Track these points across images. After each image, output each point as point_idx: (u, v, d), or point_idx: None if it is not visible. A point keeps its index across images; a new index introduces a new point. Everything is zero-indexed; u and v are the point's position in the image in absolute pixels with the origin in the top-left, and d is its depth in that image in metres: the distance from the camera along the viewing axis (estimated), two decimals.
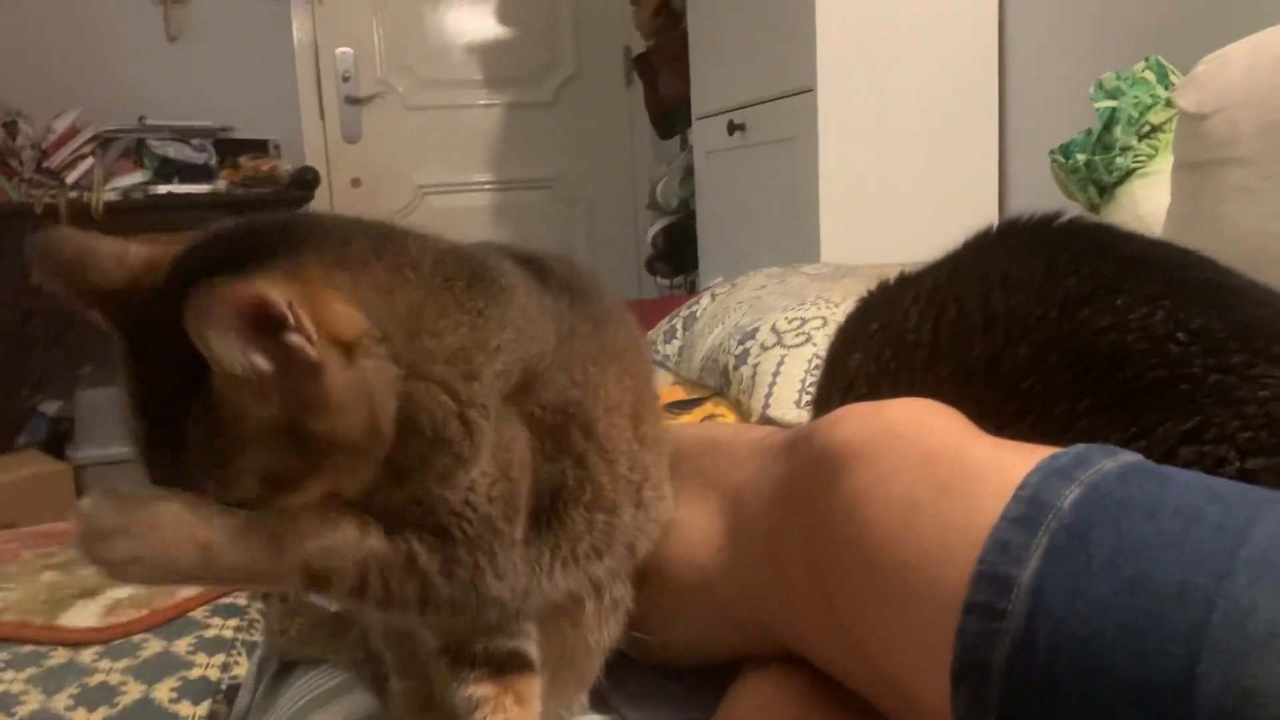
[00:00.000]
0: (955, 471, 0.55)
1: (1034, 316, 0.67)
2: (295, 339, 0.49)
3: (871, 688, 0.60)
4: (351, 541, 0.55)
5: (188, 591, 1.16)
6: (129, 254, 0.55)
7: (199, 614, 1.14)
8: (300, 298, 0.49)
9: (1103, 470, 0.52)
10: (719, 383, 1.55)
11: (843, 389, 0.78)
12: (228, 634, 1.10)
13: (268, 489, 0.51)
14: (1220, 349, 0.60)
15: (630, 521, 0.67)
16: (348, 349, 0.51)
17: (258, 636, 1.07)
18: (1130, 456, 0.55)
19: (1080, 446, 0.55)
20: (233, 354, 0.48)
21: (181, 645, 1.06)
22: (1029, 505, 0.51)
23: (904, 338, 0.74)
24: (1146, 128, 1.58)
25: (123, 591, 1.13)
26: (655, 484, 0.70)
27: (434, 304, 0.57)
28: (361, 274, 0.55)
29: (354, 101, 4.20)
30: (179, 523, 0.52)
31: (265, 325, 0.48)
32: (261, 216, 0.59)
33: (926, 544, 0.53)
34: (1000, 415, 0.66)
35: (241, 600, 1.19)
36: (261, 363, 0.48)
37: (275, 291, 0.48)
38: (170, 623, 1.12)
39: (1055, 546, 0.49)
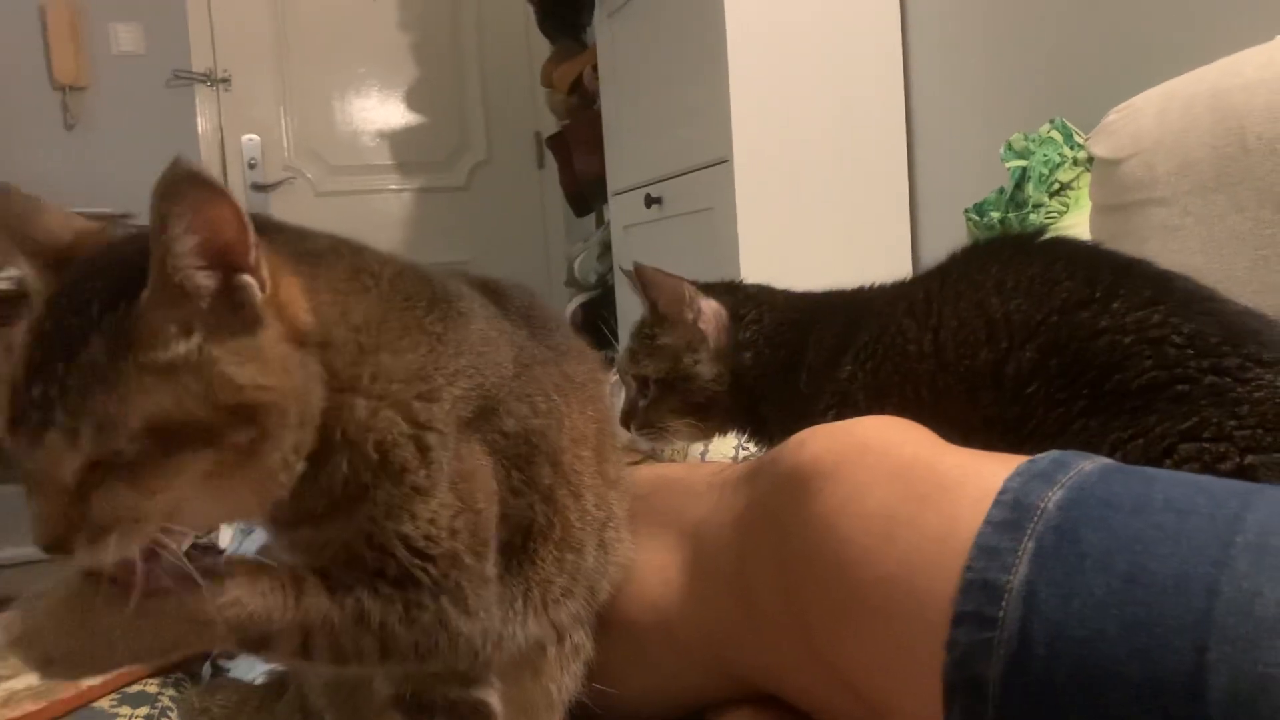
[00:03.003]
0: (931, 482, 0.54)
1: (1034, 321, 0.67)
2: (248, 280, 0.46)
3: (851, 719, 0.57)
4: (279, 605, 0.51)
5: (91, 680, 1.07)
6: (74, 220, 0.52)
7: (104, 704, 1.05)
8: (266, 260, 0.47)
9: (1083, 471, 0.51)
10: (650, 448, 1.52)
11: (835, 403, 0.76)
12: None
13: (150, 443, 0.45)
14: (1214, 352, 0.62)
15: (593, 564, 0.64)
16: (295, 334, 0.49)
17: None
18: (1106, 459, 0.54)
19: (1055, 451, 0.54)
20: (181, 253, 0.44)
21: None
22: (1012, 509, 0.50)
23: (905, 349, 0.73)
24: (1056, 185, 1.63)
25: (19, 683, 1.05)
26: (617, 525, 0.67)
27: (395, 321, 0.54)
28: (321, 273, 0.52)
29: (261, 189, 4.14)
30: (71, 611, 0.48)
31: (225, 253, 0.45)
32: None
33: (908, 556, 0.51)
34: (1005, 422, 0.66)
35: (152, 688, 1.11)
36: (205, 282, 0.45)
37: (252, 229, 0.45)
38: (72, 714, 1.03)
39: (1044, 548, 0.47)
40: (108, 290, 0.46)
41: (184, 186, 0.43)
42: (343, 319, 0.52)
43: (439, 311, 0.56)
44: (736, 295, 0.94)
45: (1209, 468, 0.59)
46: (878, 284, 0.87)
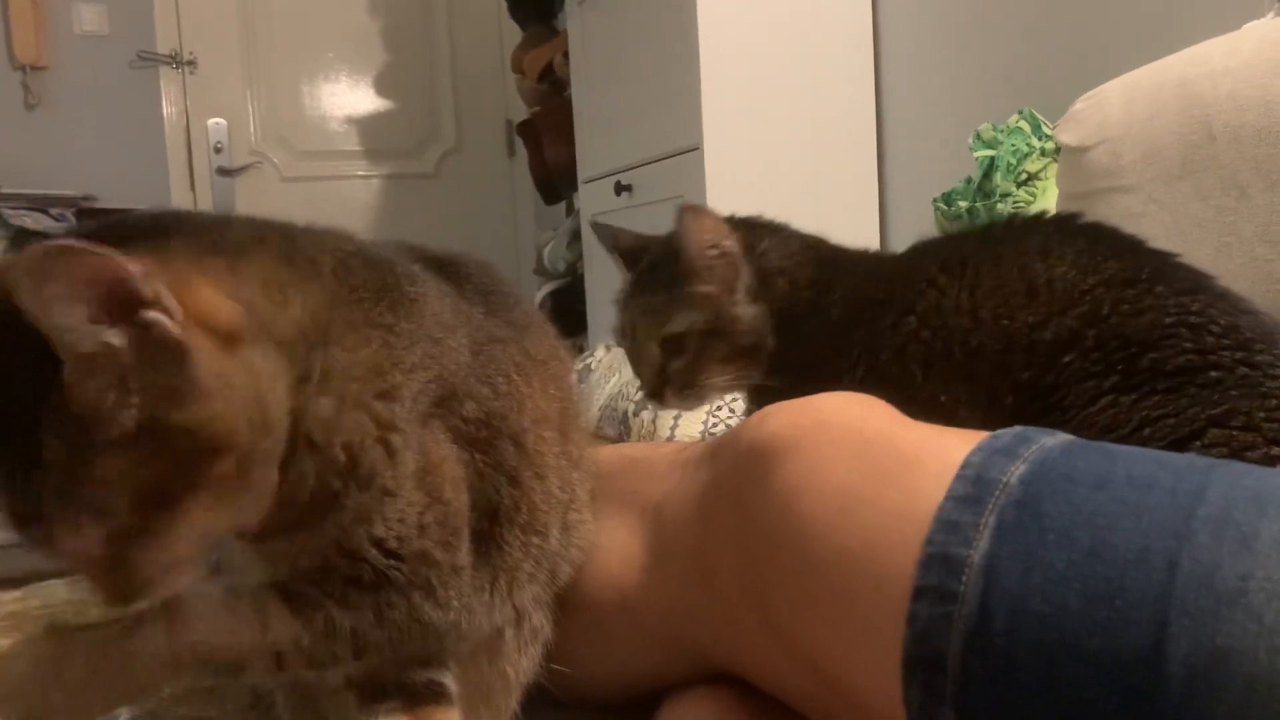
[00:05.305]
0: (892, 457, 0.53)
1: (1079, 289, 0.68)
2: (153, 315, 0.44)
3: (812, 697, 0.57)
4: (246, 636, 0.51)
5: None
6: None
7: None
8: (163, 277, 0.44)
9: (1046, 446, 0.51)
10: (619, 431, 1.52)
11: (864, 359, 0.75)
12: None
13: (144, 509, 0.45)
14: (1247, 346, 0.64)
15: (556, 546, 0.63)
16: (225, 338, 0.46)
17: (122, 710, 0.97)
18: (1069, 435, 0.54)
19: (1019, 427, 0.54)
20: (79, 327, 0.42)
21: None
22: (974, 484, 0.49)
23: (940, 304, 0.73)
24: (1024, 175, 1.64)
25: None
26: (579, 506, 0.66)
27: (342, 314, 0.52)
28: (241, 262, 0.50)
29: (226, 173, 4.08)
30: (45, 667, 0.48)
31: (120, 301, 0.43)
32: (131, 211, 0.53)
33: (868, 532, 0.51)
34: (1035, 389, 0.67)
35: None
36: (114, 339, 0.43)
37: (129, 263, 0.43)
38: None
39: (1005, 523, 0.47)
40: (29, 370, 0.44)
41: (45, 266, 0.41)
42: (283, 309, 0.50)
43: (389, 300, 0.54)
44: (754, 229, 0.92)
45: (1236, 454, 0.60)
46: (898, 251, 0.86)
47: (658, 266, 0.91)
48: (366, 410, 0.51)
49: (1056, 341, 0.67)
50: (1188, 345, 0.64)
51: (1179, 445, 0.62)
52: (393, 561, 0.52)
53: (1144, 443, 0.62)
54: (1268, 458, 0.60)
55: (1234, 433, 0.61)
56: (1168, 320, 0.65)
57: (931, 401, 0.71)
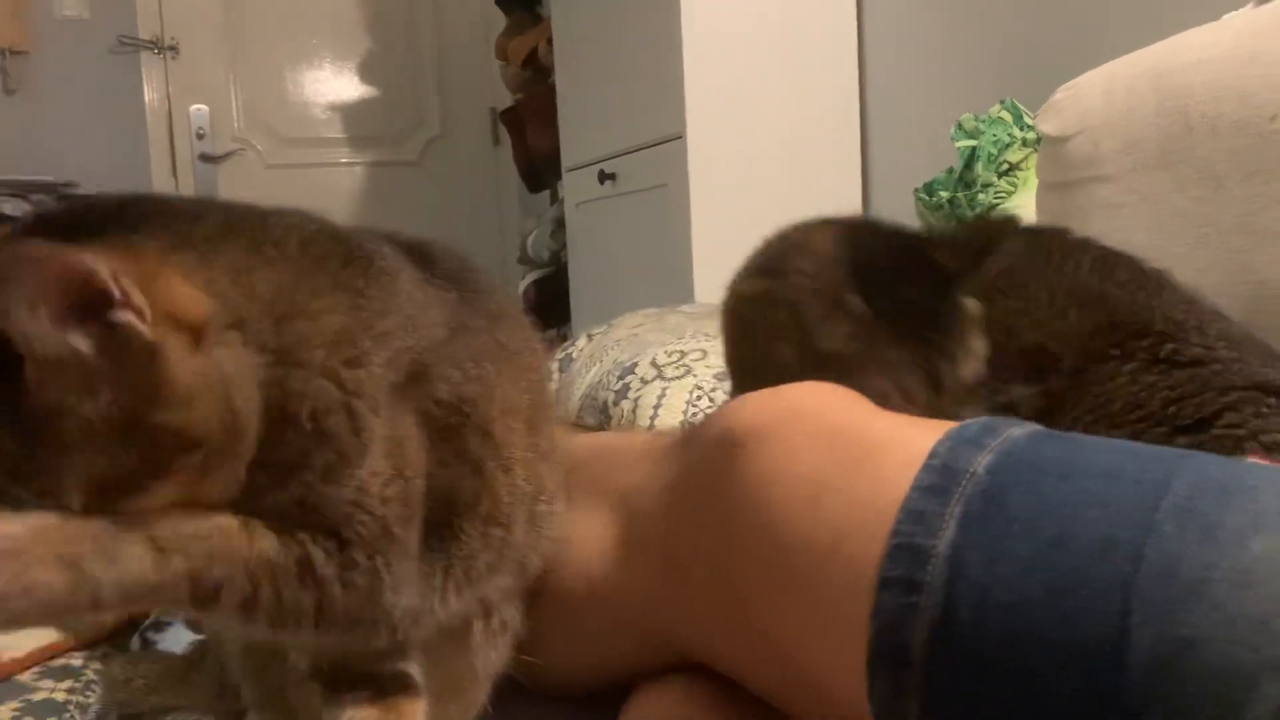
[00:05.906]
0: (862, 446, 0.53)
1: (1095, 291, 0.73)
2: (124, 316, 0.43)
3: (781, 687, 0.56)
4: (239, 545, 0.49)
5: (13, 652, 1.04)
6: None
7: (26, 677, 1.02)
8: (132, 274, 0.43)
9: (1012, 437, 0.51)
10: (599, 420, 1.51)
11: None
12: (59, 697, 0.99)
13: (100, 496, 0.44)
14: (1240, 346, 0.70)
15: (522, 538, 0.62)
16: (195, 333, 0.46)
17: (93, 699, 0.97)
18: (1036, 426, 0.53)
19: (986, 417, 0.53)
20: (44, 332, 0.41)
21: (4, 713, 0.94)
22: (940, 474, 0.49)
23: (1006, 305, 0.74)
24: (1005, 166, 1.64)
25: None
26: (549, 498, 0.65)
27: (306, 284, 0.51)
28: (212, 254, 0.49)
29: (209, 159, 4.06)
30: (39, 541, 0.45)
31: (87, 301, 0.42)
32: (98, 195, 0.52)
33: (836, 521, 0.51)
34: (1067, 375, 0.71)
35: (76, 661, 1.08)
36: (81, 344, 0.42)
37: (98, 263, 0.42)
38: None
39: (971, 513, 0.47)
40: None
41: (6, 270, 0.40)
42: (251, 296, 0.49)
43: (356, 266, 0.53)
44: None
45: (1252, 436, 0.65)
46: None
47: (908, 289, 0.71)
48: (332, 378, 0.50)
49: (1080, 333, 0.71)
50: (1196, 339, 0.70)
51: (1203, 424, 0.66)
52: (348, 519, 0.51)
53: (1169, 421, 0.67)
54: (1277, 443, 0.64)
55: (1248, 416, 0.66)
56: (1179, 316, 0.71)
57: (990, 400, 0.71)
